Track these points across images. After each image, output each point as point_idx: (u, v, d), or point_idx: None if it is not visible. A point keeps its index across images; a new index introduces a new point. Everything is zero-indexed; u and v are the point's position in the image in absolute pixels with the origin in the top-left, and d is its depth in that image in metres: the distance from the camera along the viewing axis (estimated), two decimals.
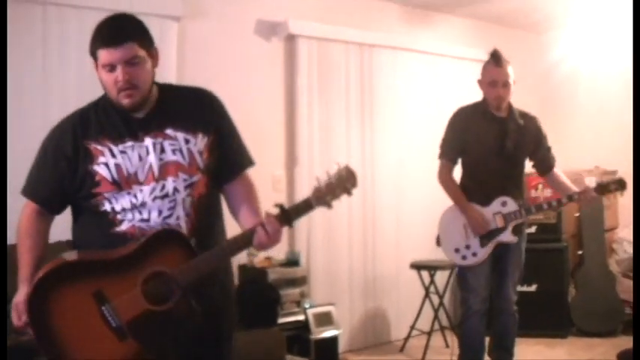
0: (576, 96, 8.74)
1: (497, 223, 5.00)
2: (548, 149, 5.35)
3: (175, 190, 2.99)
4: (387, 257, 7.04)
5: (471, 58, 7.66)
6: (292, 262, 6.12)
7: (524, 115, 5.22)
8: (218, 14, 6.24)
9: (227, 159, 3.19)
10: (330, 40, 6.74)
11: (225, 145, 3.18)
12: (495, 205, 5.02)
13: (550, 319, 7.21)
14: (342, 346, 6.62)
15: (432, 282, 6.69)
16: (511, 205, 5.01)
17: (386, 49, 7.18)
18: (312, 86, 6.63)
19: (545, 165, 5.34)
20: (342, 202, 6.48)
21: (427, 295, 6.75)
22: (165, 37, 5.74)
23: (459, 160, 5.24)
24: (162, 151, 2.99)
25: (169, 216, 2.98)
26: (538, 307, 7.16)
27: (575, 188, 5.19)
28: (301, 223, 6.45)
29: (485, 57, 7.79)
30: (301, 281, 6.02)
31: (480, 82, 5.15)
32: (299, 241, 6.49)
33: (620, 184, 4.99)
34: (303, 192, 6.42)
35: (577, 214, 7.56)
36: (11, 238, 3.46)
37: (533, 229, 7.26)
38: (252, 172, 6.09)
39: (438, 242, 5.23)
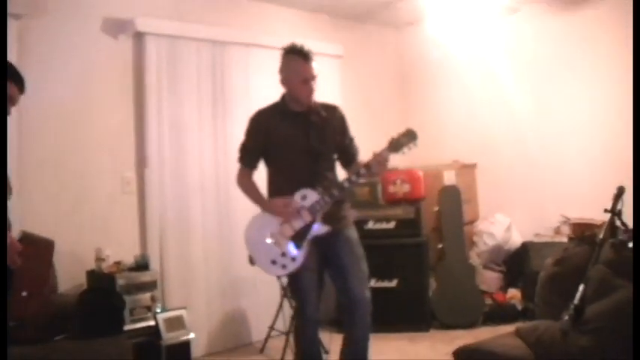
0: (435, 91, 8.82)
1: (305, 218, 4.68)
2: (351, 139, 5.05)
3: None
4: (244, 258, 6.89)
5: (328, 53, 7.64)
6: (141, 265, 5.93)
7: (326, 107, 4.95)
8: (62, 12, 6.00)
9: None
10: (180, 38, 6.59)
11: None
12: (294, 199, 4.72)
13: (412, 314, 7.24)
14: (200, 349, 6.56)
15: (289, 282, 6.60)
16: (312, 196, 4.68)
17: (238, 46, 7.07)
18: (162, 85, 6.46)
19: (348, 155, 5.03)
20: (195, 201, 6.46)
21: (285, 294, 6.65)
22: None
23: (265, 162, 5.02)
24: None
25: None
26: (399, 302, 7.19)
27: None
28: (152, 225, 6.33)
29: (341, 52, 7.89)
30: (151, 285, 5.84)
31: (287, 80, 4.88)
32: (151, 244, 6.33)
33: (411, 136, 4.57)
34: (155, 194, 6.31)
35: (436, 209, 7.60)
36: None
37: (392, 225, 7.29)
38: (101, 174, 6.00)
39: (252, 261, 4.99)
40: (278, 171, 4.92)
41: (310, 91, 4.79)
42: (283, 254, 4.70)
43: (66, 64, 6.01)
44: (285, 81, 4.89)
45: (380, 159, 4.59)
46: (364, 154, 5.04)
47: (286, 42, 7.24)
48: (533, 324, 3.94)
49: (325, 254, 4.84)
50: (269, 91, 7.06)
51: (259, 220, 4.87)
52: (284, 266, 4.72)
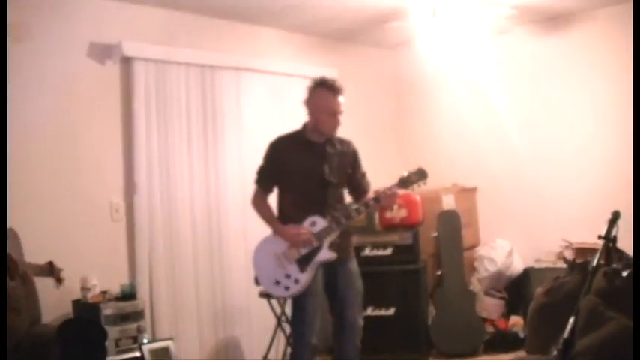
0: (432, 113, 8.67)
1: (312, 244, 4.93)
2: (364, 175, 5.39)
3: None
4: (237, 285, 6.76)
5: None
6: (128, 295, 5.76)
7: (341, 141, 5.25)
8: (47, 37, 5.85)
9: None
10: (168, 62, 6.44)
11: None
12: (305, 227, 4.97)
13: (410, 342, 7.07)
14: None
15: (283, 310, 6.45)
16: (321, 223, 4.95)
17: (229, 70, 6.91)
18: (151, 110, 6.30)
19: (360, 190, 5.33)
20: (185, 228, 6.32)
21: (279, 323, 6.51)
22: None
23: (277, 187, 5.26)
24: None
25: None
26: (397, 331, 7.05)
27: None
28: (142, 253, 6.18)
29: (335, 75, 7.71)
30: (138, 315, 5.68)
31: (314, 111, 5.10)
32: (140, 272, 6.15)
33: (421, 175, 5.03)
34: (144, 221, 6.19)
35: (435, 234, 7.45)
36: None
37: (389, 251, 7.14)
38: (88, 201, 5.86)
39: (257, 281, 5.23)
40: (290, 196, 5.15)
41: (336, 124, 5.09)
42: (287, 276, 4.92)
43: (52, 89, 5.87)
44: (312, 112, 5.11)
45: (389, 193, 4.94)
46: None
47: (278, 65, 7.26)
48: (521, 359, 3.78)
49: (328, 281, 5.10)
50: (260, 115, 7.03)
51: (268, 241, 5.10)
52: (287, 287, 4.93)
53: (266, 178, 5.19)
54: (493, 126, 8.07)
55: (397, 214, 7.19)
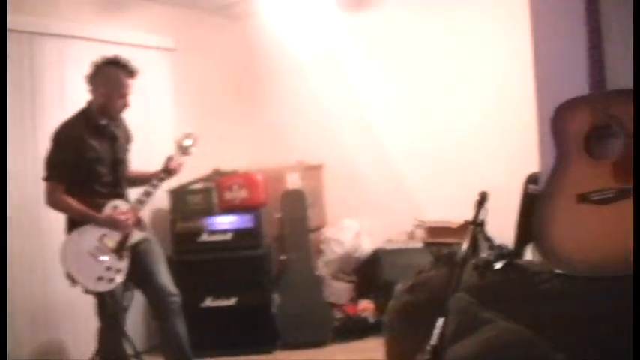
0: (280, 88, 8.14)
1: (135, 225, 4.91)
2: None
3: None
4: (59, 282, 6.03)
5: (155, 46, 6.94)
6: None
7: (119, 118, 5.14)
8: None
9: None
10: None
11: None
12: (109, 213, 4.86)
13: (254, 334, 6.68)
14: None
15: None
16: (122, 205, 4.91)
17: (52, 38, 6.23)
18: None
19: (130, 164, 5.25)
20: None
21: None
22: None
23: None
24: None
25: None
26: (239, 322, 6.68)
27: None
28: None
29: (171, 45, 7.15)
30: None
31: (105, 92, 4.89)
32: None
33: (192, 136, 5.16)
34: None
35: (278, 216, 7.00)
36: None
37: (228, 236, 6.72)
38: None
39: (73, 281, 4.81)
40: (84, 187, 4.87)
41: (126, 105, 4.96)
42: (108, 268, 4.73)
43: None
44: (102, 92, 4.90)
45: (177, 163, 5.08)
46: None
47: (109, 32, 6.57)
48: None
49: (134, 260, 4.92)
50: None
51: (73, 240, 4.84)
52: (111, 280, 4.73)
53: (62, 169, 4.81)
54: (345, 102, 7.67)
55: (237, 194, 6.74)
